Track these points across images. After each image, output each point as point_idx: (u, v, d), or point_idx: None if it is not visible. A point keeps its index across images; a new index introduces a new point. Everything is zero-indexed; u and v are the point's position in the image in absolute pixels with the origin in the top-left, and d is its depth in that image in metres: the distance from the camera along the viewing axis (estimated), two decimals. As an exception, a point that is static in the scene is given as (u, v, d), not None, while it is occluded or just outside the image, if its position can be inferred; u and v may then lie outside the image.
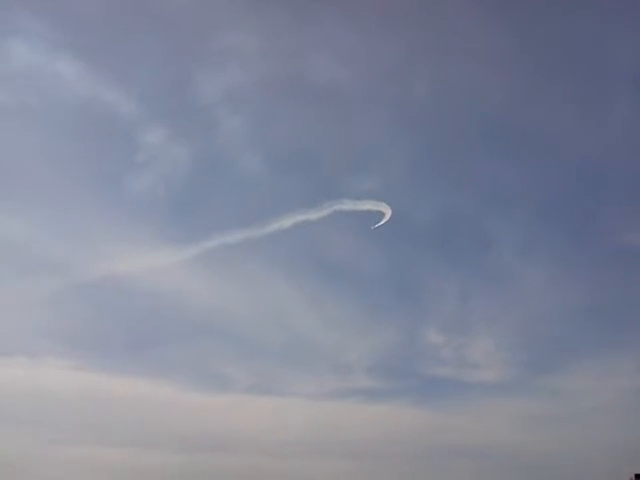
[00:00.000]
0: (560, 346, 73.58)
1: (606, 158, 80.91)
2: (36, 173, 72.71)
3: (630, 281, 74.98)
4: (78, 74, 67.45)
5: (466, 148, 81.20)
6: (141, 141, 70.54)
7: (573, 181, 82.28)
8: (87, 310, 71.12)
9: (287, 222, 66.83)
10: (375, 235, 68.95)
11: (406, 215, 76.30)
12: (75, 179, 73.71)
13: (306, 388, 72.11)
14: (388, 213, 68.00)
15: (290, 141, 77.83)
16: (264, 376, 72.02)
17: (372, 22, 78.36)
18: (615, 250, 77.70)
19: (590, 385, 70.31)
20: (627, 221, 78.85)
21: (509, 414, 70.39)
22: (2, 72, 65.35)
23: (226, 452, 65.25)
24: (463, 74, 78.12)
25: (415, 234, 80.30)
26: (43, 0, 72.31)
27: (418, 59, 79.52)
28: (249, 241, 66.82)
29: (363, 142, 79.58)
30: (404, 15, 77.68)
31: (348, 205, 67.90)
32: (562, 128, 79.45)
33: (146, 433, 63.70)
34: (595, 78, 80.00)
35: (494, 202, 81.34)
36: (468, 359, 75.14)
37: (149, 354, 70.01)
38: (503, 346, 75.54)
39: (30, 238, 69.86)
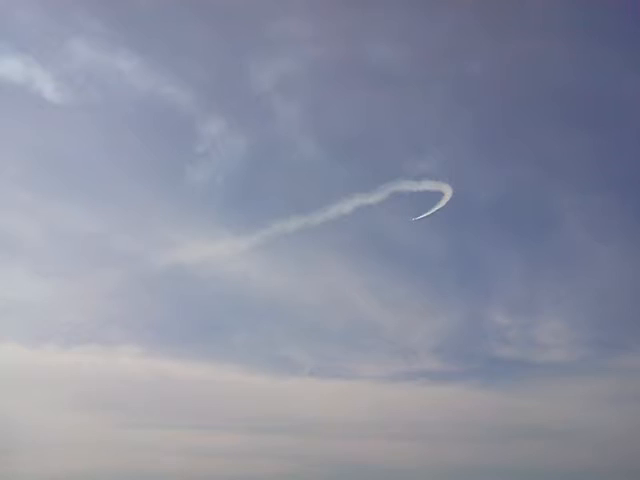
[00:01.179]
0: (631, 325, 71.00)
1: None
2: (101, 168, 75.17)
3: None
4: (137, 69, 68.97)
5: (528, 122, 78.63)
6: (200, 132, 71.70)
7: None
8: (155, 298, 73.30)
9: (346, 206, 66.92)
10: (436, 216, 68.15)
11: (467, 194, 74.59)
12: (139, 172, 76.07)
13: (370, 371, 72.38)
14: (449, 193, 67.04)
15: (346, 125, 77.41)
16: (328, 360, 72.62)
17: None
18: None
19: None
20: None
21: (579, 394, 68.75)
22: (65, 71, 67.45)
23: (291, 434, 66.37)
24: (521, 47, 75.64)
25: (477, 213, 78.55)
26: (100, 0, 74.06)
27: (473, 35, 77.23)
28: (308, 227, 67.37)
29: (420, 123, 78.27)
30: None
31: (407, 187, 67.34)
32: (630, 97, 75.66)
33: (213, 416, 65.78)
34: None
35: (560, 176, 78.43)
36: (535, 339, 73.65)
37: (215, 339, 71.80)
38: (572, 325, 73.47)
39: (99, 231, 72.57)
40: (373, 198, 66.81)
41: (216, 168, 71.33)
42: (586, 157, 78.70)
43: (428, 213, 67.25)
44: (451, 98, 78.24)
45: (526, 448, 65.94)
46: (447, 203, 66.66)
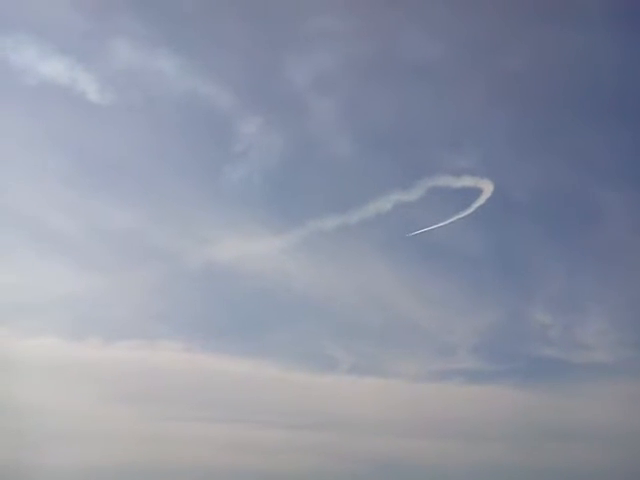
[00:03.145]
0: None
1: None
2: (142, 167, 76.33)
3: None
4: (176, 69, 69.69)
5: (569, 118, 77.03)
6: (238, 131, 72.29)
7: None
8: (194, 295, 74.04)
9: (383, 203, 66.67)
10: (475, 213, 67.41)
11: (507, 190, 73.51)
12: (178, 171, 76.80)
13: (408, 369, 72.08)
14: (489, 189, 66.19)
15: (383, 121, 76.87)
16: (366, 357, 72.50)
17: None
18: None
19: None
20: None
21: (622, 396, 67.06)
22: (107, 72, 68.58)
23: (327, 430, 66.71)
24: (563, 41, 74.26)
25: (518, 210, 77.07)
26: (140, 0, 75.19)
27: (513, 29, 76.13)
28: (346, 225, 67.31)
29: (458, 118, 77.32)
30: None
31: (445, 183, 66.74)
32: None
33: (251, 411, 66.04)
34: None
35: (602, 172, 76.61)
36: (577, 339, 72.13)
37: (253, 336, 72.13)
38: (615, 325, 71.70)
39: (140, 229, 73.46)
40: (411, 195, 66.50)
41: (253, 167, 71.81)
42: (628, 153, 76.73)
43: (468, 210, 66.69)
44: (490, 94, 77.32)
45: (565, 449, 64.97)
46: (487, 199, 66.00)
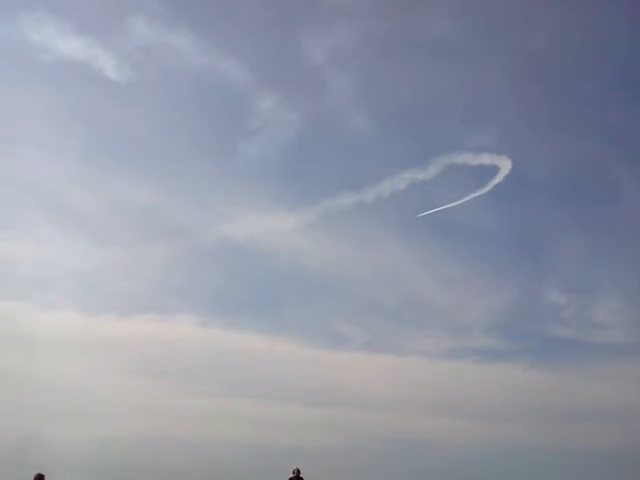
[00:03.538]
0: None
1: None
2: (159, 144, 76.45)
3: None
4: (193, 46, 69.49)
5: (588, 95, 76.36)
6: (254, 107, 72.11)
7: None
8: (210, 270, 74.58)
9: (399, 181, 65.97)
10: (492, 190, 66.79)
11: (525, 168, 72.74)
12: (194, 148, 76.86)
13: (422, 347, 72.10)
14: (507, 167, 65.41)
15: (400, 98, 76.43)
16: (379, 335, 72.61)
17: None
18: None
19: None
20: None
21: (636, 376, 66.96)
22: (124, 49, 68.62)
23: (341, 407, 66.95)
24: (583, 20, 73.31)
25: (535, 188, 76.76)
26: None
27: (532, 8, 75.09)
28: (361, 202, 66.94)
29: (476, 96, 76.74)
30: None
31: (463, 160, 66.03)
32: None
33: (266, 386, 66.19)
34: None
35: (622, 150, 76.05)
36: (592, 319, 71.81)
37: (268, 312, 72.38)
38: (631, 305, 71.44)
39: (157, 204, 74.13)
40: (428, 172, 65.92)
41: (269, 143, 71.62)
42: None
43: (485, 188, 66.09)
44: (509, 71, 76.68)
45: (579, 430, 64.91)
46: (505, 177, 65.32)
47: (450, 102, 77.12)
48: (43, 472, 26.01)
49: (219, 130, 77.72)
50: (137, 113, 75.71)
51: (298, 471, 27.89)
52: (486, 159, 64.96)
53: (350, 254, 76.20)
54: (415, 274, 76.54)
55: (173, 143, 76.55)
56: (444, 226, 74.47)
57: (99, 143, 75.44)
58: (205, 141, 78.28)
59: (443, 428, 66.21)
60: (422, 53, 77.38)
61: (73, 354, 64.15)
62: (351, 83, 76.31)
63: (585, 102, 76.61)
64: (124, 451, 57.46)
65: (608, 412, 65.25)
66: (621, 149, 75.93)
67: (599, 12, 73.67)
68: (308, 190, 75.08)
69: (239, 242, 71.17)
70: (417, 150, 74.50)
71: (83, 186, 73.89)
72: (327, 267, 74.33)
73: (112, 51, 66.14)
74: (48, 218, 71.29)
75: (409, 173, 65.96)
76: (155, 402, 63.07)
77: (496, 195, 68.09)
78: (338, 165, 75.61)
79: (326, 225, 71.02)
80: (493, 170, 65.06)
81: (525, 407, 67.41)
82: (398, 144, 76.07)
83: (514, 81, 76.87)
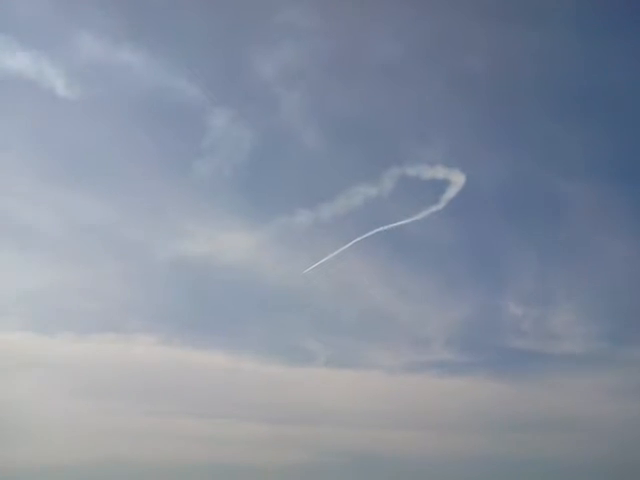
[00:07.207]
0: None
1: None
2: (113, 161, 75.10)
3: None
4: (142, 63, 68.95)
5: (530, 112, 78.37)
6: (207, 124, 71.52)
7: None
8: (168, 288, 73.44)
9: (354, 196, 66.63)
10: (445, 204, 67.77)
11: (474, 182, 74.12)
12: (148, 165, 76.05)
13: (383, 361, 72.36)
14: (460, 181, 66.43)
15: (350, 113, 77.25)
16: (342, 349, 72.38)
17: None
18: None
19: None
20: None
21: (593, 386, 68.64)
22: (73, 67, 67.36)
23: (305, 424, 66.55)
24: (522, 38, 75.97)
25: (487, 201, 78.25)
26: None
27: (472, 28, 77.45)
28: (317, 217, 67.35)
29: (422, 113, 78.40)
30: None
31: (415, 175, 66.81)
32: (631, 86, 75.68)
33: (229, 405, 66.02)
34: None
35: (566, 165, 77.72)
36: (549, 331, 73.31)
37: (229, 329, 71.68)
38: (586, 317, 73.13)
39: (112, 222, 72.83)
40: (382, 187, 66.57)
41: (223, 160, 70.99)
42: (590, 147, 77.21)
43: (440, 203, 67.02)
44: (453, 89, 78.16)
45: (538, 439, 65.98)
46: (459, 191, 66.35)
47: (398, 118, 78.48)
48: None
49: (173, 148, 77.19)
50: (89, 130, 74.41)
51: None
52: (436, 173, 66.04)
53: (309, 270, 76.23)
54: (375, 288, 77.05)
55: (127, 161, 75.77)
56: (400, 240, 75.35)
57: (52, 161, 74.02)
58: (160, 159, 77.49)
59: (407, 441, 66.58)
60: (369, 70, 78.65)
61: (29, 375, 63.07)
62: (302, 98, 76.74)
63: (526, 118, 78.90)
64: (77, 476, 56.22)
65: (567, 422, 66.89)
66: (565, 164, 77.78)
67: (537, 29, 76.58)
68: (264, 207, 74.87)
69: (197, 259, 71.11)
70: (370, 164, 75.06)
71: (37, 204, 72.45)
72: (287, 283, 73.92)
73: (61, 67, 65.15)
74: (1, 237, 69.83)
75: (363, 187, 66.60)
76: (113, 423, 61.47)
77: (448, 208, 69.09)
78: (293, 181, 75.98)
79: (284, 241, 71.28)
80: (443, 184, 66.31)
81: (486, 418, 68.55)
82: (351, 159, 76.71)
83: (456, 98, 78.80)
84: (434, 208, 66.67)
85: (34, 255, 70.90)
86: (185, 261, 70.56)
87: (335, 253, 66.26)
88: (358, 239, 66.49)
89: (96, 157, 75.38)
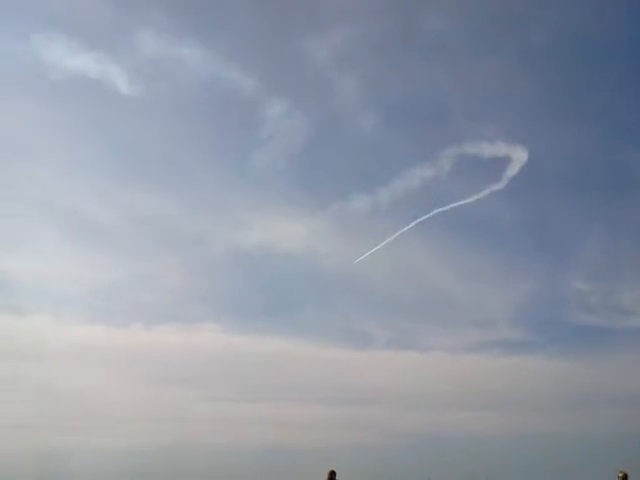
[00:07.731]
0: None
1: None
2: (173, 156, 77.88)
3: None
4: (200, 58, 69.82)
5: (595, 84, 76.09)
6: (263, 115, 72.12)
7: None
8: (229, 277, 75.65)
9: (411, 178, 65.64)
10: (508, 182, 66.10)
11: (539, 158, 72.71)
12: (207, 158, 78.07)
13: (445, 342, 72.43)
14: (522, 157, 64.46)
15: (406, 95, 77.30)
16: (402, 331, 72.91)
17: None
18: None
19: None
20: None
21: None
22: (133, 64, 69.07)
23: (367, 405, 67.08)
24: (582, 9, 72.84)
25: (551, 177, 76.45)
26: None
27: (535, 5, 74.70)
28: (375, 202, 66.82)
29: (481, 89, 76.86)
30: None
31: (474, 153, 65.16)
32: None
33: (291, 389, 66.79)
34: None
35: (633, 139, 75.23)
36: (617, 306, 71.21)
37: (290, 315, 73.06)
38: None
39: (175, 215, 75.41)
40: (440, 167, 65.33)
41: (280, 150, 71.61)
42: None
43: (502, 181, 65.33)
44: (513, 66, 76.73)
45: (606, 416, 64.20)
46: (521, 168, 64.45)
47: (456, 96, 77.54)
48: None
49: (230, 140, 78.70)
50: (150, 126, 76.82)
51: (333, 473, 27.08)
52: (497, 151, 64.29)
53: (367, 254, 76.16)
54: (435, 269, 76.84)
55: (186, 154, 77.71)
56: (461, 220, 74.41)
57: (114, 157, 77.21)
58: (217, 151, 79.36)
59: (471, 422, 65.92)
60: (423, 51, 77.67)
61: (98, 366, 64.92)
62: (356, 83, 76.92)
63: (592, 93, 76.15)
64: (147, 459, 57.81)
65: (632, 398, 64.96)
66: (633, 135, 75.17)
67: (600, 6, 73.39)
68: (321, 194, 75.61)
69: (255, 248, 72.00)
70: (428, 144, 74.35)
71: (101, 201, 75.36)
72: (344, 268, 74.12)
73: (122, 66, 66.92)
74: (68, 234, 73.02)
75: (421, 169, 65.63)
76: (180, 409, 63.16)
77: (511, 186, 67.57)
78: (349, 166, 76.08)
79: (341, 227, 71.47)
80: (507, 161, 64.52)
81: (553, 396, 67.07)
82: (407, 140, 76.49)
83: (516, 76, 77.11)
84: (495, 187, 65.23)
85: (100, 250, 74.14)
86: (244, 251, 71.84)
87: (394, 236, 65.38)
88: (417, 221, 65.42)
89: (157, 152, 77.88)
